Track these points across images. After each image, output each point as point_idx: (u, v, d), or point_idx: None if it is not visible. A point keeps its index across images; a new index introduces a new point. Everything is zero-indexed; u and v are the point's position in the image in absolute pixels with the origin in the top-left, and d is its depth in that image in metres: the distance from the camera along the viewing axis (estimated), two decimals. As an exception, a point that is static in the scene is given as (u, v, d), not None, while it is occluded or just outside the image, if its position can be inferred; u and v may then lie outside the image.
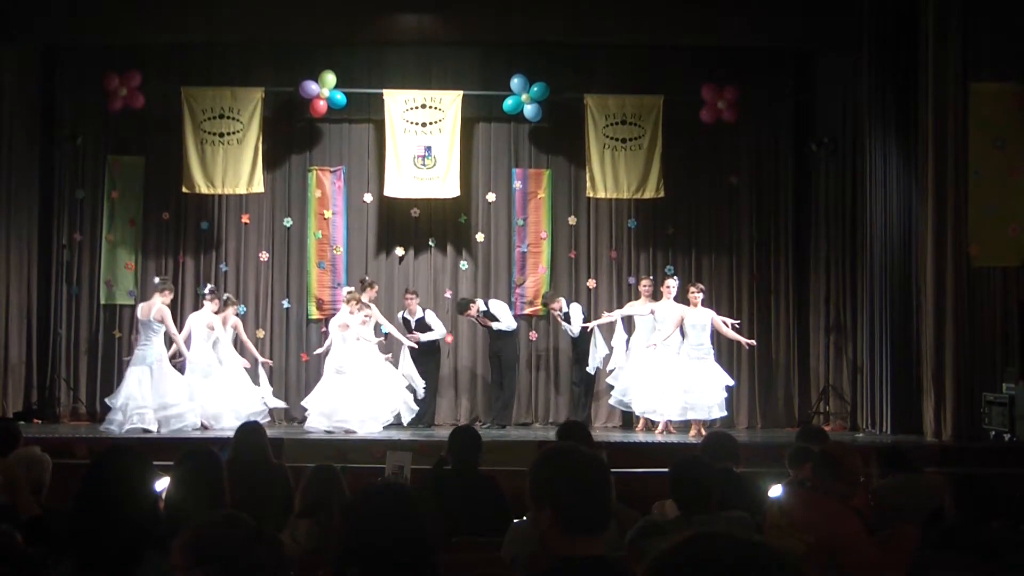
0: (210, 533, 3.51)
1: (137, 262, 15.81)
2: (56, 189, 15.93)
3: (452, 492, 7.08)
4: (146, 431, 13.26)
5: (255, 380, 14.70)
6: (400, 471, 7.97)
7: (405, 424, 14.40)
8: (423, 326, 15.05)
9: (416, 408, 14.45)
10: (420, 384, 14.54)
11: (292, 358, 15.96)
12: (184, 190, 15.50)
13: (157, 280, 14.37)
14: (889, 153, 14.43)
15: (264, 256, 16.13)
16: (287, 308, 16.13)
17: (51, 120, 15.95)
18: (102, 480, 4.43)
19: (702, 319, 14.09)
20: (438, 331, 15.17)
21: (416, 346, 14.65)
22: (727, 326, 14.41)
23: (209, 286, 14.94)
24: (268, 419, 14.39)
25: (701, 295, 14.22)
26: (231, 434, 13.58)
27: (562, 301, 15.19)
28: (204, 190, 15.50)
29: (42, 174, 15.82)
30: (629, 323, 15.22)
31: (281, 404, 14.90)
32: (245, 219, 16.15)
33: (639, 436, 14.29)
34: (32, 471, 6.62)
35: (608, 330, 15.19)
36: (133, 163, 16.03)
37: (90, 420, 14.99)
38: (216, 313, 14.37)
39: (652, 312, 14.54)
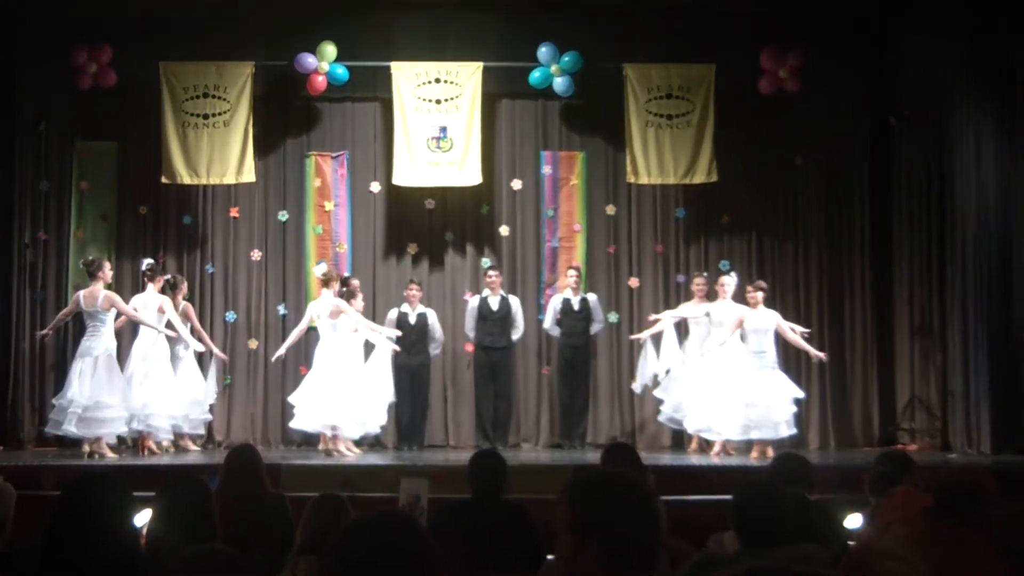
0: (189, 570, 3.52)
1: (111, 263, 15.82)
2: (16, 180, 15.94)
3: (474, 524, 7.08)
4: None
5: (204, 373, 14.87)
6: (416, 501, 7.95)
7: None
8: (422, 325, 15.18)
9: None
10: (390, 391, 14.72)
11: (290, 371, 15.91)
12: (164, 180, 15.56)
13: (82, 264, 14.33)
14: (984, 127, 14.36)
15: (256, 255, 16.17)
16: (283, 315, 16.15)
17: (10, 102, 15.96)
18: (75, 512, 4.45)
19: (765, 322, 14.01)
20: (439, 334, 15.40)
21: (396, 347, 14.78)
22: (795, 333, 14.34)
23: (147, 262, 14.86)
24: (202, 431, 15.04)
25: (762, 295, 14.17)
26: (163, 430, 14.06)
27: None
28: (187, 180, 15.55)
29: (0, 164, 15.88)
30: (680, 328, 15.20)
31: (212, 399, 15.03)
32: (234, 213, 16.20)
33: (692, 458, 14.23)
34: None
35: (654, 338, 15.15)
36: (105, 150, 16.08)
37: (58, 446, 15.03)
38: (162, 293, 14.49)
39: (707, 314, 14.49)
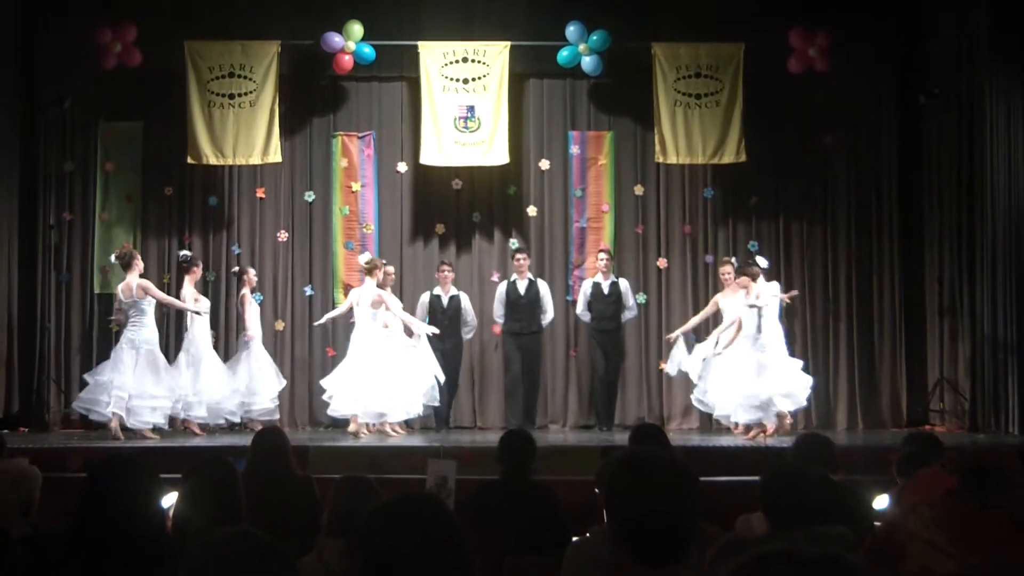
0: (215, 552, 3.54)
1: (136, 244, 15.81)
2: (41, 161, 15.99)
3: (502, 505, 7.09)
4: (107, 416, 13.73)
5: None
6: (444, 482, 7.96)
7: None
8: (455, 308, 15.12)
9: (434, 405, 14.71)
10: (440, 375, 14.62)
11: (316, 353, 15.98)
12: (189, 161, 15.58)
13: (114, 259, 14.45)
14: (1015, 105, 14.28)
15: (283, 236, 16.20)
16: (310, 295, 16.17)
17: (33, 82, 16.00)
18: (102, 495, 4.47)
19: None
20: (471, 318, 15.35)
21: (437, 331, 14.70)
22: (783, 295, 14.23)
23: (183, 253, 15.04)
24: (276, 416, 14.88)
25: (746, 279, 13.94)
26: (200, 420, 14.25)
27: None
28: (212, 160, 15.58)
29: (24, 144, 15.91)
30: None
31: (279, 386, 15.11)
32: (260, 193, 16.22)
33: (721, 440, 14.09)
34: (20, 486, 6.68)
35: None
36: (130, 130, 16.11)
37: (84, 427, 15.08)
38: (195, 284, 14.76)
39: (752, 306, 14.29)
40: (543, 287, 15.38)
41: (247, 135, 15.46)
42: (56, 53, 15.89)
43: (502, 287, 15.42)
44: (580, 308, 15.46)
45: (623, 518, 3.30)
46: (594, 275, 15.42)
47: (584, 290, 15.39)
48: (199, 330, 14.52)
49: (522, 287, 15.23)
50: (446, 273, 15.21)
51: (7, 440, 7.91)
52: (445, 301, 15.11)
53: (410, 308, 15.09)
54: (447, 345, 14.96)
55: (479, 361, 16.06)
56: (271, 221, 16.25)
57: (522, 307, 15.21)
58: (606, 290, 15.23)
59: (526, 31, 16.00)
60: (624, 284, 15.37)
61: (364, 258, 14.79)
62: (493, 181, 16.18)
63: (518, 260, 15.33)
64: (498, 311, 15.37)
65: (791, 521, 5.31)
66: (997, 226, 14.33)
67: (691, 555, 3.44)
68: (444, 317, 14.98)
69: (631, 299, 15.36)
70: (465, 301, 15.30)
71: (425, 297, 15.16)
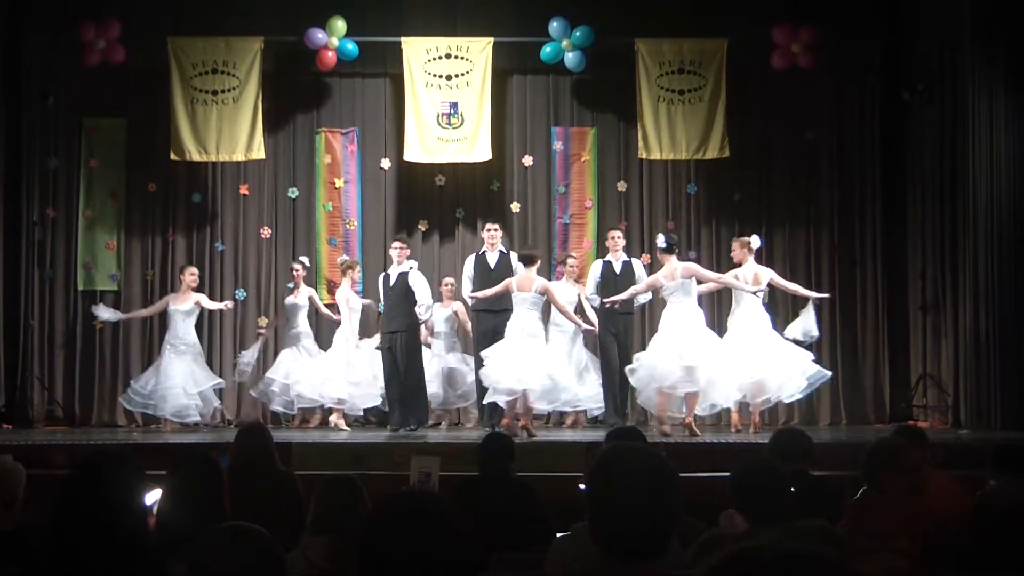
0: (214, 551, 3.55)
1: (119, 241, 15.84)
2: (24, 157, 15.98)
3: (485, 503, 7.12)
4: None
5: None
6: (427, 478, 7.98)
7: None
8: (403, 284, 14.20)
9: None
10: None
11: (299, 350, 15.99)
12: (173, 157, 15.56)
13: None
14: (997, 99, 14.27)
15: (266, 232, 16.20)
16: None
17: (17, 78, 15.98)
18: (85, 490, 4.47)
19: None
20: (422, 296, 14.21)
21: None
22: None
23: (303, 260, 15.53)
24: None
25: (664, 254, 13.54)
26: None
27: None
28: (196, 157, 15.55)
29: (7, 140, 15.88)
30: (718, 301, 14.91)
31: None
32: (244, 190, 16.22)
33: (705, 436, 13.88)
34: (3, 482, 6.67)
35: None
36: (113, 126, 16.09)
37: (68, 424, 15.06)
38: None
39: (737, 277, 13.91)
40: (516, 259, 14.30)
41: (230, 131, 15.45)
42: (40, 49, 15.88)
43: (470, 260, 14.56)
44: (590, 291, 14.55)
45: (599, 516, 3.29)
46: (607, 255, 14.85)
47: (593, 273, 14.68)
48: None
49: (492, 260, 14.33)
50: (399, 250, 14.42)
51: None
52: (393, 279, 14.30)
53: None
54: (392, 326, 14.13)
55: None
56: (254, 217, 16.24)
57: (492, 281, 13.91)
58: (618, 270, 14.44)
59: (509, 27, 16.00)
60: (638, 264, 14.84)
61: (344, 259, 15.15)
62: (476, 177, 16.18)
63: (488, 231, 14.51)
64: (467, 288, 14.35)
65: (766, 515, 5.33)
66: (979, 222, 14.33)
67: (674, 549, 3.43)
68: (393, 294, 14.22)
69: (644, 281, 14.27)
70: (414, 276, 14.25)
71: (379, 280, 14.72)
